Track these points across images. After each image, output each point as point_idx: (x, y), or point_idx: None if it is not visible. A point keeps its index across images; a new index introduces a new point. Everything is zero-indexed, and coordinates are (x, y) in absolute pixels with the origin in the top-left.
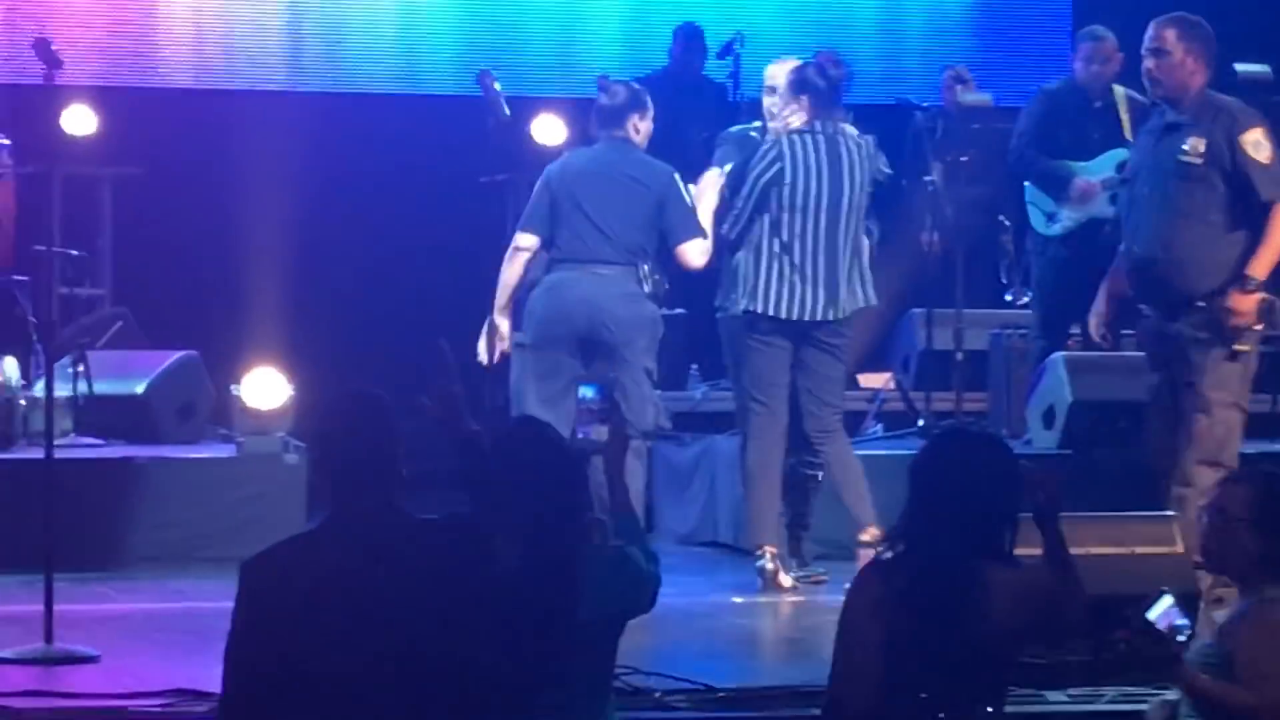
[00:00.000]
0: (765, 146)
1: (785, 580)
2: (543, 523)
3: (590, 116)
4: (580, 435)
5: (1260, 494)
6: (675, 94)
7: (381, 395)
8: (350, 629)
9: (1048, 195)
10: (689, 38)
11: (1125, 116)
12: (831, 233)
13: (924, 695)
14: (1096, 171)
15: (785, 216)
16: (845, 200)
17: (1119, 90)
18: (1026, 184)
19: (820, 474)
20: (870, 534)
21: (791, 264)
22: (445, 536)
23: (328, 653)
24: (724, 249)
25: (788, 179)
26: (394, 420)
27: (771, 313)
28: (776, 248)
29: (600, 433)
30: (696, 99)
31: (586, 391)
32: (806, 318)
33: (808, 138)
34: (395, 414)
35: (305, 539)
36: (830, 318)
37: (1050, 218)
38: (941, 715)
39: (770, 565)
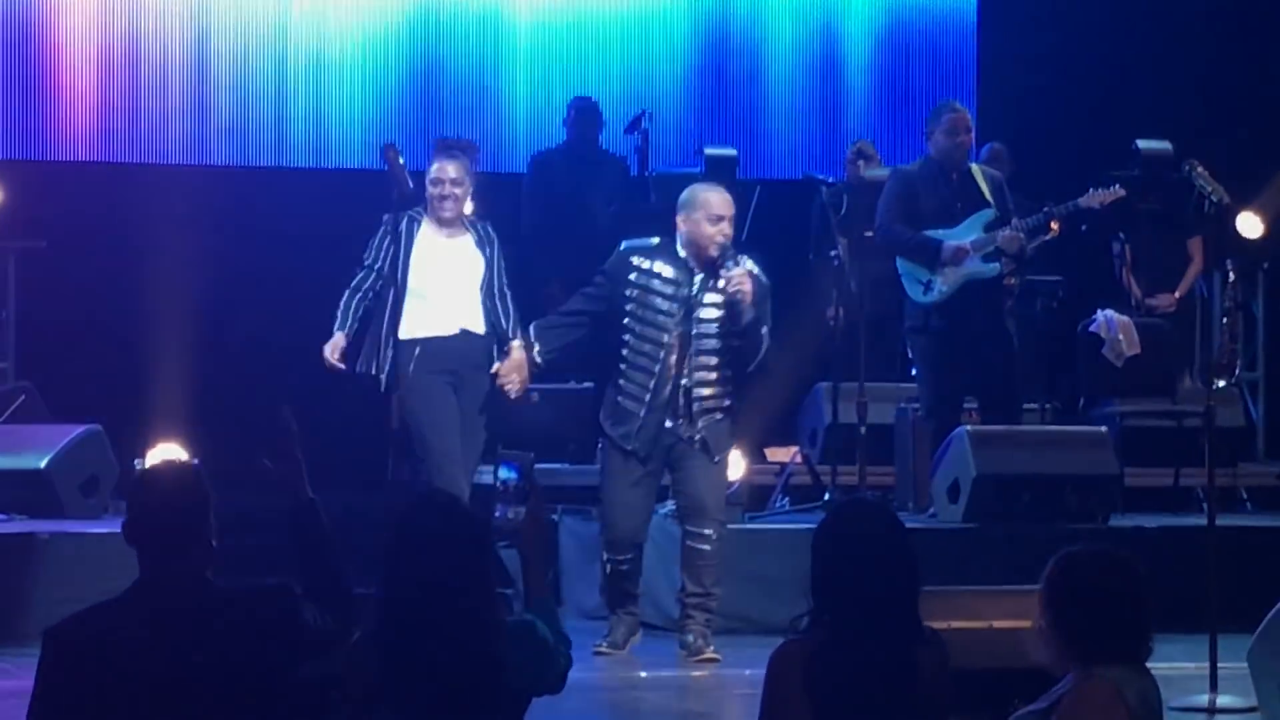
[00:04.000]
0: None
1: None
2: (453, 596)
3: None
4: (498, 515)
5: (1054, 571)
6: (574, 165)
7: (197, 467)
8: (153, 698)
9: (920, 265)
10: (581, 111)
11: (984, 185)
12: None
13: None
14: (965, 234)
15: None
16: None
17: (974, 165)
18: (898, 260)
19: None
20: None
21: None
22: (253, 606)
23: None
24: None
25: None
26: (207, 491)
27: None
28: None
29: (517, 513)
30: (596, 171)
31: (505, 473)
32: None
33: None
34: (208, 485)
35: (111, 606)
36: None
37: (926, 286)
38: None
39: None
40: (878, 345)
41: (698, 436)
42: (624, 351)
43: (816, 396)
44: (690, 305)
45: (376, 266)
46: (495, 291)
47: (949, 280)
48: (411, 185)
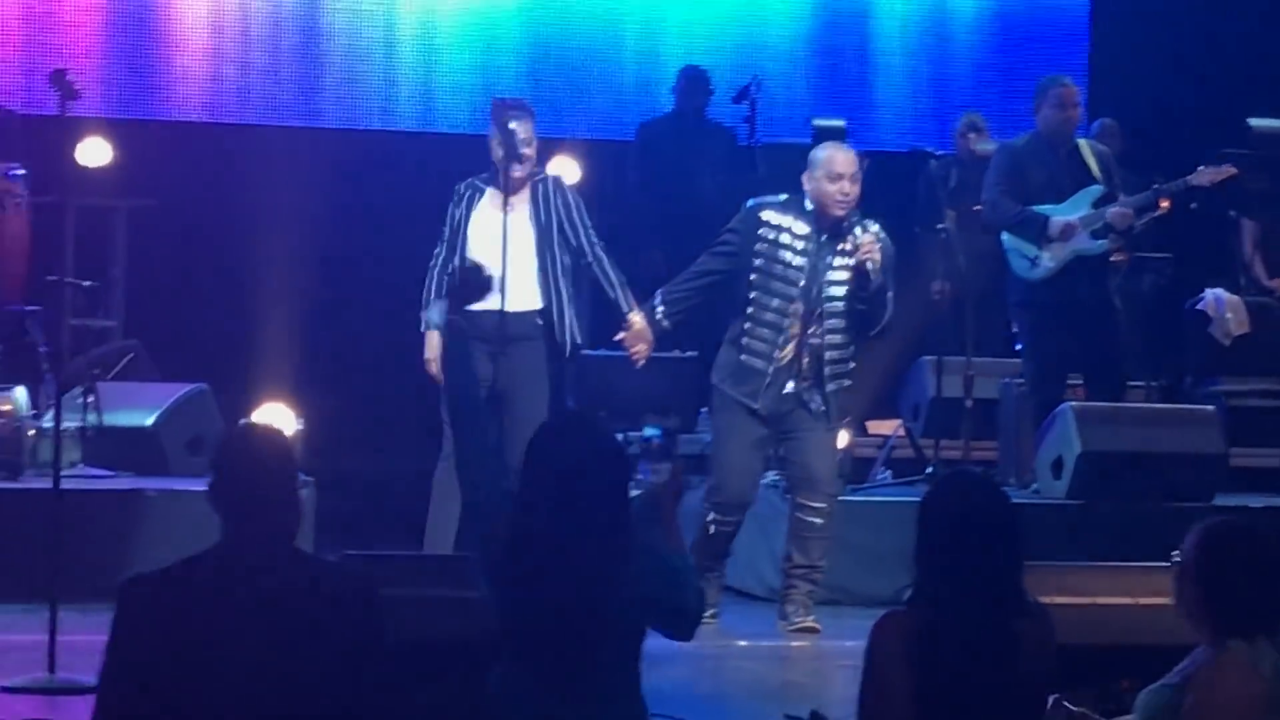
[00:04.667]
0: None
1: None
2: (588, 508)
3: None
4: (641, 474)
5: (1201, 542)
6: (682, 135)
7: (280, 431)
8: (222, 658)
9: (1026, 241)
10: (690, 80)
11: (1092, 161)
12: None
13: None
14: (1072, 210)
15: None
16: None
17: (1082, 140)
18: (1004, 234)
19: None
20: None
21: None
22: (335, 579)
23: (205, 680)
24: None
25: None
26: (291, 455)
27: None
28: None
29: (659, 471)
30: (703, 140)
31: (650, 431)
32: None
33: None
34: (292, 449)
35: (191, 564)
36: None
37: (1033, 262)
38: None
39: None
40: (983, 319)
41: (821, 402)
42: (749, 309)
43: (920, 370)
44: (818, 264)
45: (449, 240)
46: (558, 255)
47: (1055, 256)
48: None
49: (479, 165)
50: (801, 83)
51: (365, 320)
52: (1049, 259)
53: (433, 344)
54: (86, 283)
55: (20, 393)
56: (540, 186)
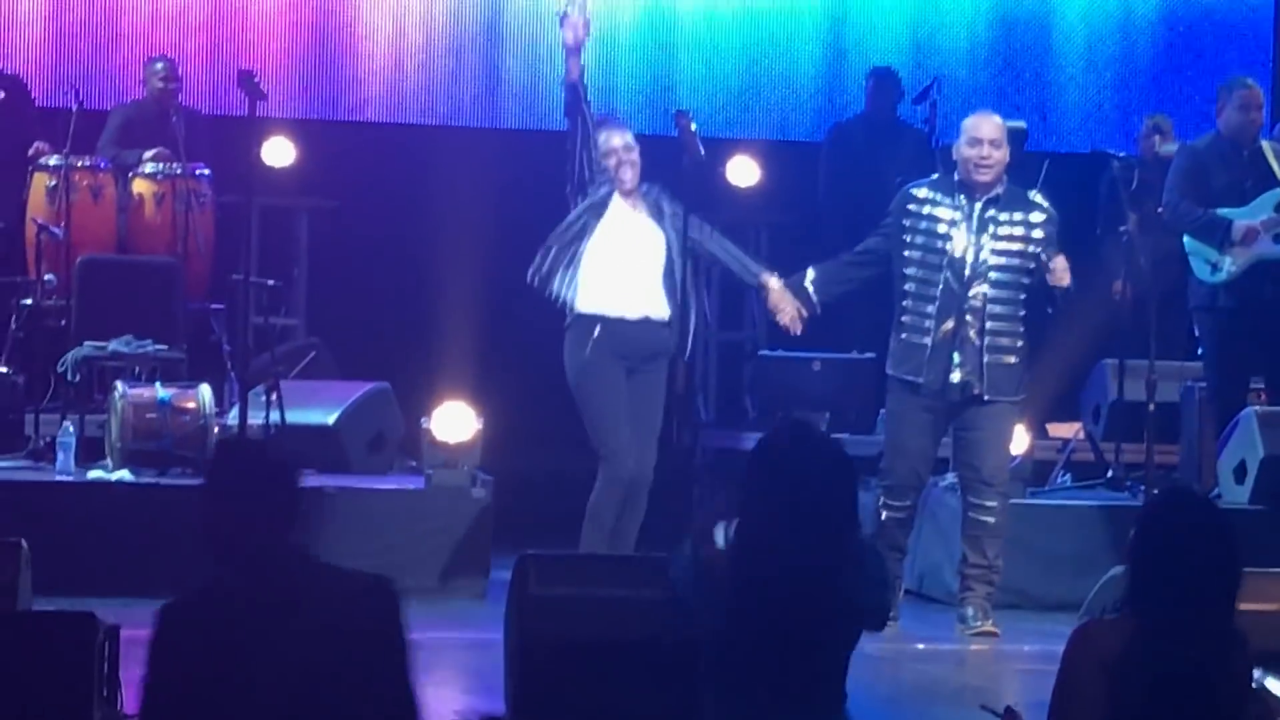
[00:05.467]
0: None
1: None
2: (814, 517)
3: None
4: None
5: None
6: (872, 136)
7: (284, 458)
8: (261, 678)
9: (1208, 244)
10: (880, 80)
11: (1275, 163)
12: None
13: None
14: (1255, 214)
15: None
16: None
17: (1265, 142)
18: (1185, 238)
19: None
20: None
21: None
22: (356, 590)
23: (242, 699)
24: None
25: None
26: (288, 464)
27: None
28: None
29: None
30: (894, 142)
31: None
32: None
33: None
34: (290, 458)
35: (216, 585)
36: None
37: (1215, 266)
38: None
39: None
40: (1165, 322)
41: (985, 381)
42: (907, 287)
43: (1101, 373)
44: (972, 236)
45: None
46: (681, 273)
47: (1238, 260)
48: (704, 152)
49: (658, 167)
50: (983, 84)
51: (545, 319)
52: (1231, 263)
53: None
54: (270, 281)
55: (205, 390)
56: (654, 195)
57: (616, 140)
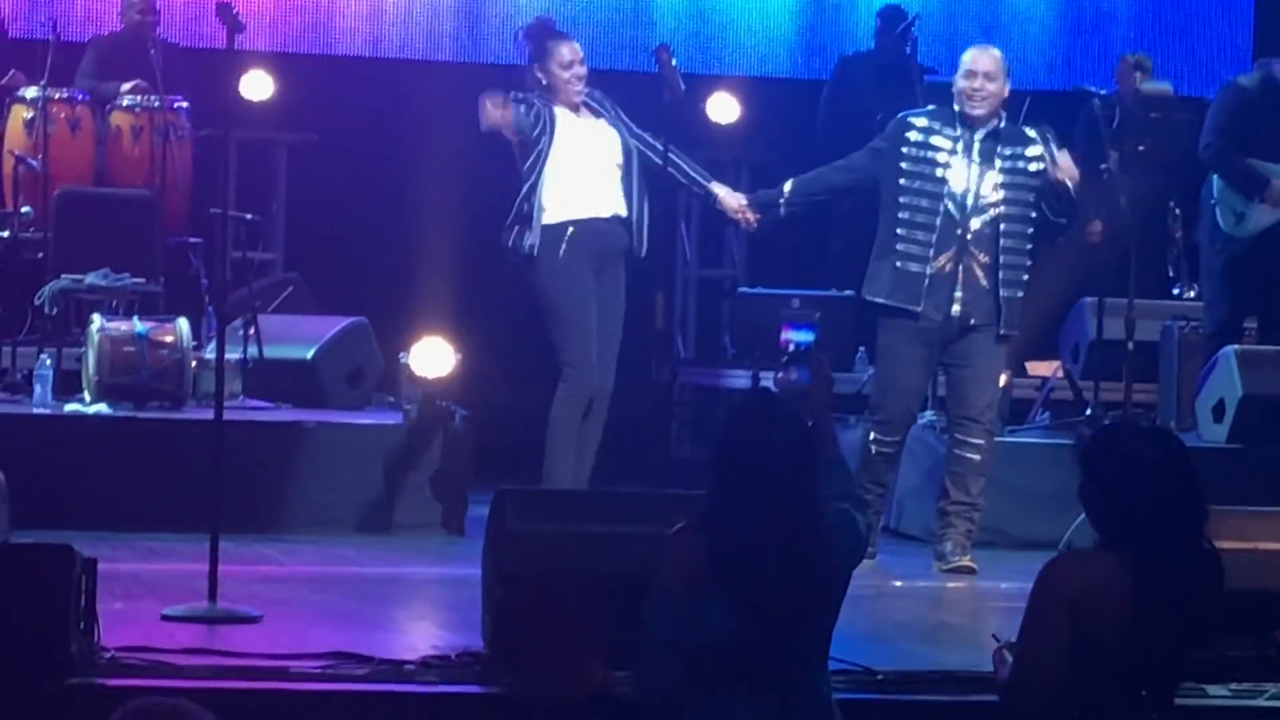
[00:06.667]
0: None
1: None
2: (781, 489)
3: None
4: (784, 377)
5: None
6: (880, 74)
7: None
8: None
9: (1240, 194)
10: (887, 20)
11: None
12: None
13: (1144, 692)
14: None
15: None
16: None
17: None
18: (1216, 183)
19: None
20: None
21: None
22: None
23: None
24: None
25: None
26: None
27: None
28: None
29: (802, 375)
30: (901, 84)
31: (796, 334)
32: None
33: None
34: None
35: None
36: None
37: (1240, 217)
38: (1155, 716)
39: None
40: (1142, 261)
41: (991, 309)
42: (901, 215)
43: (1081, 311)
44: (973, 167)
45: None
46: (637, 171)
47: (1264, 220)
48: (684, 88)
49: (638, 102)
50: (959, 20)
51: None
52: (1257, 220)
53: None
54: (248, 216)
55: (183, 324)
56: (609, 105)
57: (573, 52)
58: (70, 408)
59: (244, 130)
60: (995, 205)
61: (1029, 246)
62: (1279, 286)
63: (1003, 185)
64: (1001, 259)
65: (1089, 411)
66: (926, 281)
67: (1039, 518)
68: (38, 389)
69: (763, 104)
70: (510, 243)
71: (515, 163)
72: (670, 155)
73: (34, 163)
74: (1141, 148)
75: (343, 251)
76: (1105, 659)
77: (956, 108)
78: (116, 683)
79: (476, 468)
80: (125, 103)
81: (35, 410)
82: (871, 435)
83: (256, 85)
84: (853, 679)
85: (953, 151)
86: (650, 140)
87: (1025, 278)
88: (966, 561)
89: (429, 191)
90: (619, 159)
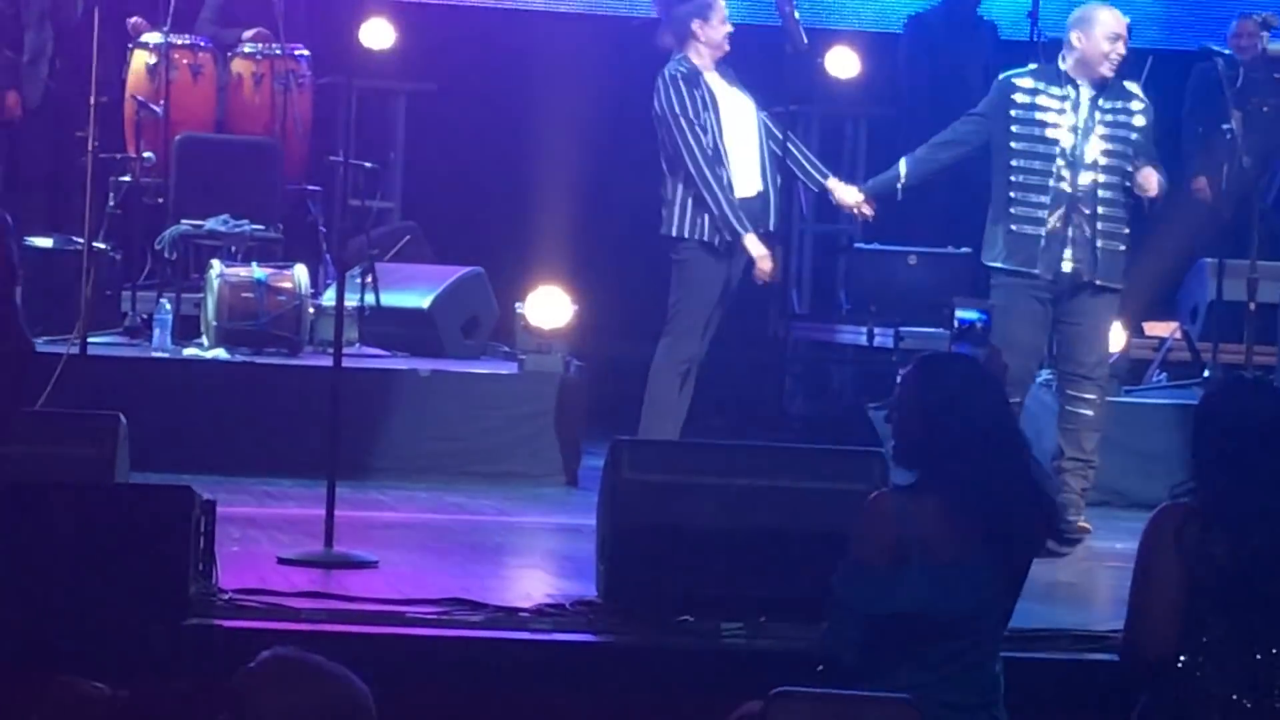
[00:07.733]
0: None
1: None
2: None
3: None
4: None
5: None
6: (952, 29)
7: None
8: None
9: None
10: None
11: None
12: None
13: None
14: None
15: None
16: None
17: None
18: None
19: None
20: None
21: None
22: None
23: None
24: None
25: None
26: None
27: None
28: None
29: (977, 353)
30: (970, 37)
31: (973, 314)
32: None
33: None
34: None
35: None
36: None
37: None
38: (1259, 655)
39: None
40: (1267, 222)
41: (1098, 267)
42: (1013, 178)
43: (1200, 272)
44: (1080, 125)
45: (701, 123)
46: (769, 143)
47: None
48: (806, 40)
49: (754, 52)
50: None
51: (641, 207)
52: None
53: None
54: (367, 164)
55: (300, 271)
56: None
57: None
58: (189, 352)
59: (364, 79)
60: (1099, 160)
61: (1127, 200)
62: None
63: (1107, 138)
64: (1100, 210)
65: (1206, 373)
66: (1041, 242)
67: (1155, 478)
68: (157, 333)
69: (879, 59)
70: (683, 233)
71: (659, 133)
72: (789, 145)
73: (156, 108)
74: (1266, 108)
75: (460, 201)
76: (1213, 599)
77: (1065, 66)
78: (234, 624)
79: (590, 419)
80: (246, 50)
81: (154, 354)
82: None
83: (377, 34)
84: None
85: (1060, 110)
86: (771, 126)
87: (1126, 230)
88: (1081, 522)
89: (546, 142)
90: (757, 130)
